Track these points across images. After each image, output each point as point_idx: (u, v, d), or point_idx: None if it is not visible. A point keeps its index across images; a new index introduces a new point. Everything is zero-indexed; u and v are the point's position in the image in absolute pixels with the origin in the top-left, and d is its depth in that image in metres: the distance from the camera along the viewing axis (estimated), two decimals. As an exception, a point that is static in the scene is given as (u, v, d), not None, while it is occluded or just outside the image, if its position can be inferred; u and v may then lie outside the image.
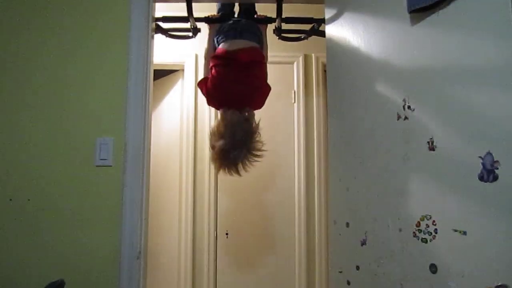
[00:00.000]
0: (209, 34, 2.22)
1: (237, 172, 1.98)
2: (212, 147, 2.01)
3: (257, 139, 2.00)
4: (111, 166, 1.77)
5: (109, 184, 1.77)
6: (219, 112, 2.11)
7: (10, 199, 1.74)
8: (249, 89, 2.04)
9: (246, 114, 2.01)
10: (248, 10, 2.27)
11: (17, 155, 1.77)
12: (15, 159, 1.77)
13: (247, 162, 1.97)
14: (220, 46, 2.12)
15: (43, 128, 1.78)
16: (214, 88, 2.06)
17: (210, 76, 2.09)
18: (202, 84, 2.14)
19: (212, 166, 2.28)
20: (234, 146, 1.94)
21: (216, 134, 1.99)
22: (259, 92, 2.10)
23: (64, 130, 1.79)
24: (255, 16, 2.25)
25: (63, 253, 1.73)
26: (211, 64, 2.11)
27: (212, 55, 2.13)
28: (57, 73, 1.82)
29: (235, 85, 2.02)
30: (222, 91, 2.05)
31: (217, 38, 2.16)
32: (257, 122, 2.02)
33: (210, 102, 2.17)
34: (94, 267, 1.73)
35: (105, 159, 1.77)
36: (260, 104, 2.13)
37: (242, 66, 2.03)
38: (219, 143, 1.95)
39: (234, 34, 2.10)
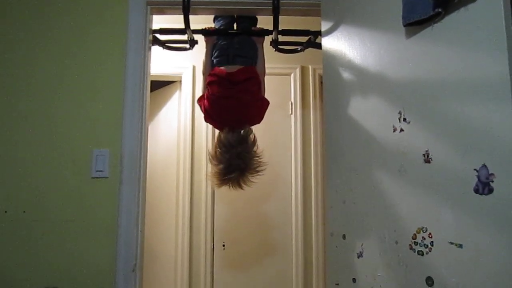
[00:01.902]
0: (206, 48, 2.22)
1: (240, 187, 2.03)
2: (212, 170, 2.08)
3: (256, 156, 2.02)
4: (107, 177, 1.77)
5: (105, 195, 1.76)
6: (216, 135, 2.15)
7: (5, 211, 1.73)
8: (242, 104, 2.06)
9: (242, 132, 2.03)
10: (247, 16, 2.27)
11: (12, 167, 1.76)
12: (11, 171, 1.76)
13: (247, 178, 2.01)
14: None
15: (39, 140, 1.78)
16: (209, 106, 2.08)
17: (206, 93, 2.11)
18: (201, 101, 2.15)
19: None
20: (232, 167, 1.98)
21: (214, 159, 2.03)
22: (253, 106, 2.11)
23: (60, 141, 1.79)
24: (252, 28, 2.25)
25: (58, 265, 1.72)
26: (207, 81, 2.13)
27: (210, 72, 2.14)
28: (53, 84, 1.82)
29: (228, 101, 2.04)
30: (216, 108, 2.07)
31: (212, 57, 2.18)
32: (254, 139, 2.04)
33: (207, 119, 2.18)
34: (89, 280, 1.71)
35: (101, 171, 1.76)
36: (257, 119, 2.14)
37: (235, 83, 2.05)
38: (219, 167, 2.00)
39: (226, 60, 2.13)
